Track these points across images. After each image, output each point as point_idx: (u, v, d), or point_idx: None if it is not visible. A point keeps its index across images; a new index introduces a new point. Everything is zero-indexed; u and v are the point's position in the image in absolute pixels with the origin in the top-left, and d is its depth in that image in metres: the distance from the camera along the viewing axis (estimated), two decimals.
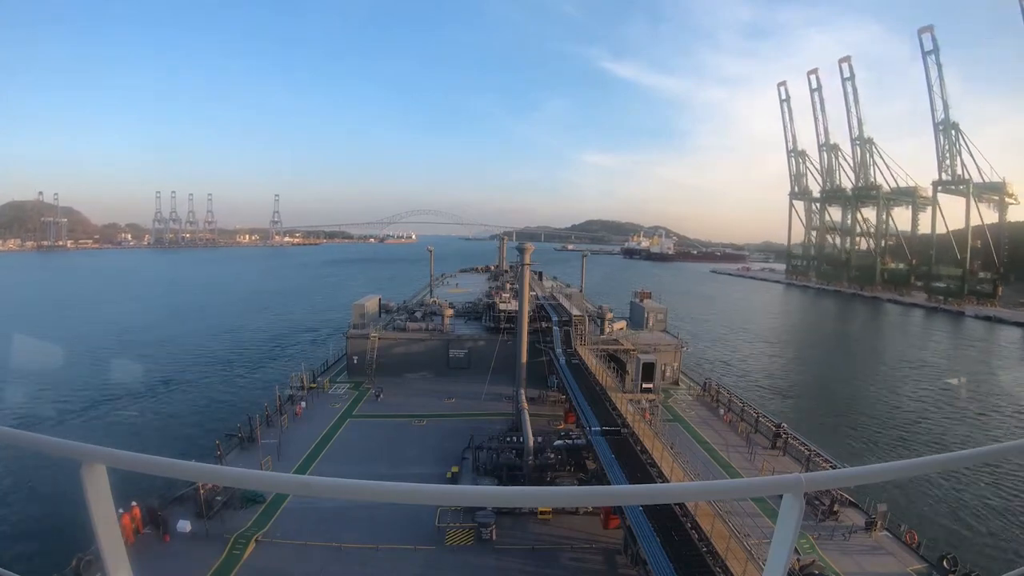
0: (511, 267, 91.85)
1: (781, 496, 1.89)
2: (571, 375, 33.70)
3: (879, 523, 21.17)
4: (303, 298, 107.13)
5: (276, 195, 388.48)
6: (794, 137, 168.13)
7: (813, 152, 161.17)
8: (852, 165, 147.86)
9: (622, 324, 48.53)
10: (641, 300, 53.84)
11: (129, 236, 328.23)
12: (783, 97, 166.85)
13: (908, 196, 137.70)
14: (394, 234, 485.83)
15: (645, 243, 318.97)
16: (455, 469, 25.64)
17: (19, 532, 24.02)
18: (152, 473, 1.82)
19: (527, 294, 35.30)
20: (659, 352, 39.86)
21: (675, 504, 17.72)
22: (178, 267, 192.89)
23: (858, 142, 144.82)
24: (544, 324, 42.47)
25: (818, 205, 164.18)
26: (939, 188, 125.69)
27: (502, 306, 45.51)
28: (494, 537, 19.89)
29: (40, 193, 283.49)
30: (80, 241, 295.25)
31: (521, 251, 34.38)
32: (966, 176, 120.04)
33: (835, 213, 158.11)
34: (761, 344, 75.57)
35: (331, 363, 44.41)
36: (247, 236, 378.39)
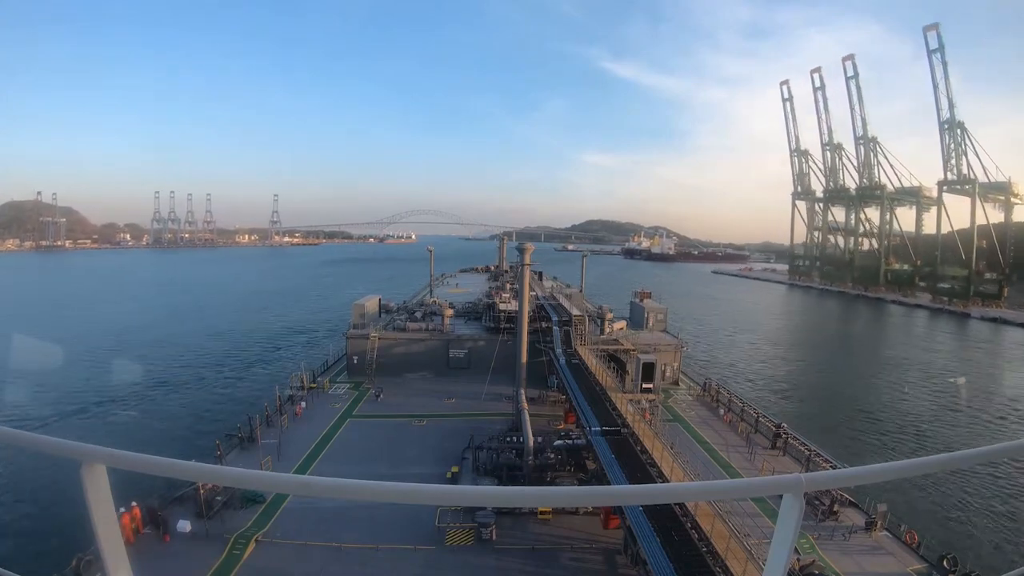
0: (511, 267, 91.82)
1: (781, 496, 1.89)
2: (571, 375, 33.70)
3: (879, 523, 21.17)
4: (302, 298, 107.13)
5: (275, 195, 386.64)
6: (797, 136, 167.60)
7: (816, 151, 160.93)
8: (856, 164, 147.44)
9: (622, 324, 48.57)
10: (641, 300, 53.90)
11: (128, 236, 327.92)
12: (785, 96, 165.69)
13: (912, 196, 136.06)
14: (394, 234, 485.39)
15: (646, 243, 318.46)
16: (455, 469, 25.66)
17: (19, 532, 24.02)
18: (152, 473, 1.82)
19: (527, 294, 35.31)
20: (659, 352, 39.89)
21: (675, 504, 17.71)
22: (177, 267, 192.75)
23: (862, 141, 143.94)
24: (544, 324, 42.48)
25: (821, 205, 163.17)
26: (944, 188, 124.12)
27: (502, 306, 45.53)
28: (494, 537, 19.89)
29: (39, 193, 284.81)
30: (79, 241, 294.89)
31: (521, 251, 34.40)
32: (972, 176, 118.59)
33: (838, 213, 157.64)
34: (765, 345, 75.41)
35: (331, 363, 44.45)
36: (246, 236, 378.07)
